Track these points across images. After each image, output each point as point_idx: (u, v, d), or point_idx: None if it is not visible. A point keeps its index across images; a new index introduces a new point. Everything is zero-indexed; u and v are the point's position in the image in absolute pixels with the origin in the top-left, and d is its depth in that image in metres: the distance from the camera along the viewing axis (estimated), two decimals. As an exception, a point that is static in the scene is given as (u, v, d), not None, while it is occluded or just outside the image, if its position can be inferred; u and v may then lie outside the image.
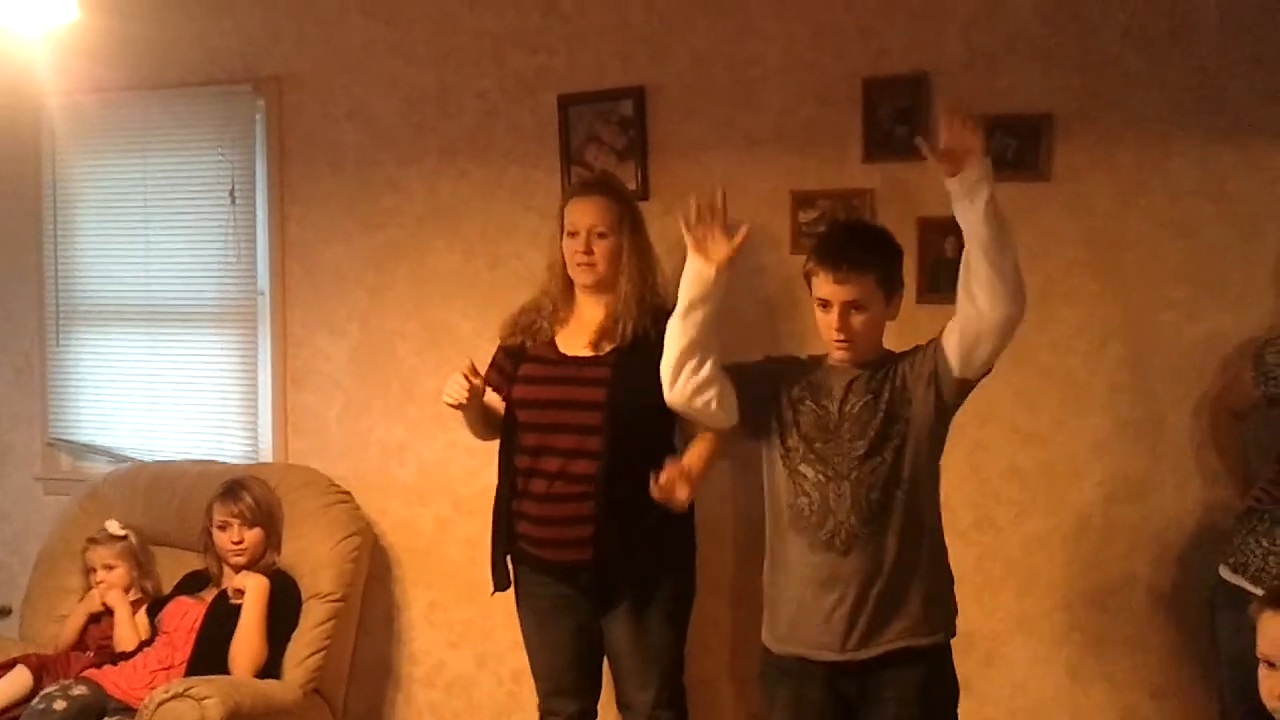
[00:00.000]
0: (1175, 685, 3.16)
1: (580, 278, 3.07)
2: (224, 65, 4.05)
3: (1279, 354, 2.79)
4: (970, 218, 2.43)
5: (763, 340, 3.40)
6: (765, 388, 2.71)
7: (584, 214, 3.06)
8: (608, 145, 3.60)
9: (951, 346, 2.52)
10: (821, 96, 3.39)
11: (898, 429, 2.56)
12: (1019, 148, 3.21)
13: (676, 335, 2.70)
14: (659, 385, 2.80)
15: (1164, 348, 3.14)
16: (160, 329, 4.25)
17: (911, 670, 2.56)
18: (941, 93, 3.25)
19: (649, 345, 2.95)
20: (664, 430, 3.07)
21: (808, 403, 2.64)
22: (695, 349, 2.67)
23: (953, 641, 2.67)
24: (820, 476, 2.58)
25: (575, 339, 3.09)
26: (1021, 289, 2.48)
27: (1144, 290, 3.15)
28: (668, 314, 2.90)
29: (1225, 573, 2.82)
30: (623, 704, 3.15)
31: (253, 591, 3.48)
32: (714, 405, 2.70)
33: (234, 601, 3.52)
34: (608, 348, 3.04)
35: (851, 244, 2.62)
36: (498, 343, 3.25)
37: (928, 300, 3.23)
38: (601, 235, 3.04)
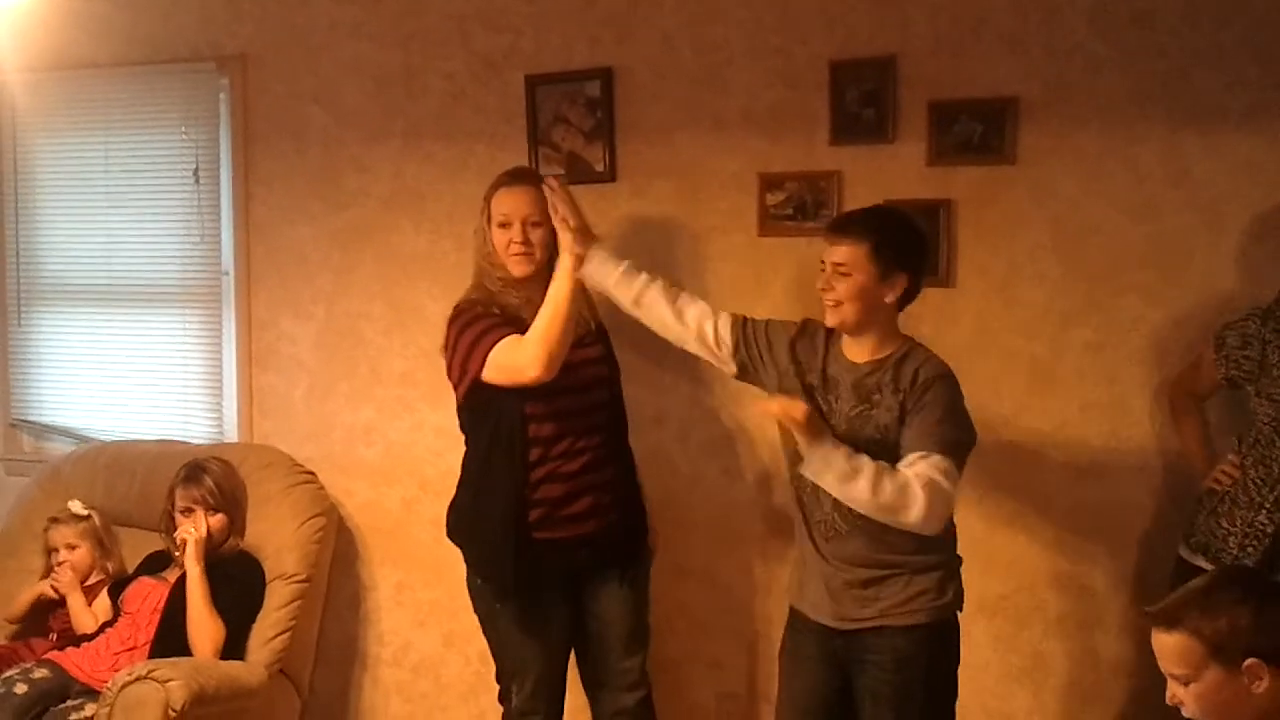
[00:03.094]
0: (1137, 665, 3.20)
1: (517, 268, 3.04)
2: (188, 43, 4.00)
3: (1239, 337, 2.83)
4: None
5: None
6: (780, 359, 2.77)
7: (517, 204, 3.03)
8: (575, 126, 3.59)
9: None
10: (789, 79, 3.39)
11: (887, 440, 2.59)
12: (985, 131, 3.22)
13: (643, 316, 2.88)
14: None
15: (1127, 331, 3.17)
16: (124, 309, 4.21)
17: (893, 641, 2.63)
18: (908, 76, 3.26)
19: (599, 325, 3.16)
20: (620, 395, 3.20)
21: (816, 395, 2.67)
22: (654, 305, 2.87)
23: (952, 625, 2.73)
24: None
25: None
26: (903, 512, 2.50)
27: (1107, 274, 3.17)
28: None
29: (1185, 553, 2.86)
30: (600, 683, 3.15)
31: (191, 571, 3.44)
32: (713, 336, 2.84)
33: (176, 554, 3.52)
34: (581, 329, 3.05)
35: (859, 214, 2.73)
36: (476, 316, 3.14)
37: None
38: (536, 224, 3.02)
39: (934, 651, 2.67)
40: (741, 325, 2.82)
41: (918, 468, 2.50)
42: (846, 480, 2.50)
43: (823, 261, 2.65)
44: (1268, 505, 2.71)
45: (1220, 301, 3.04)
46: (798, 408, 2.52)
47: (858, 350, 2.67)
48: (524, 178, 3.12)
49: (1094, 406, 3.21)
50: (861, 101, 3.33)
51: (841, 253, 2.60)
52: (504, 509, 3.00)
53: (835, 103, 3.35)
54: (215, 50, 3.96)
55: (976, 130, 3.23)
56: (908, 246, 2.66)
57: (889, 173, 3.29)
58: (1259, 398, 2.77)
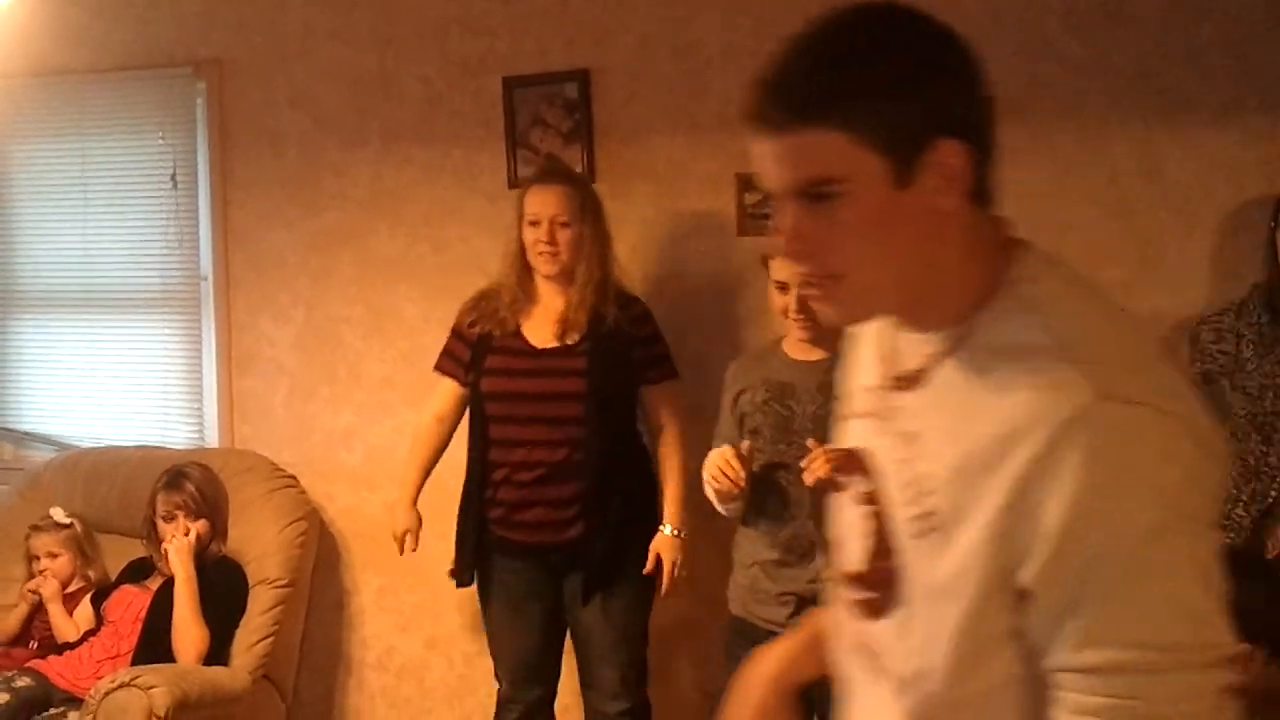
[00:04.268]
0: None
1: (543, 267, 3.06)
2: (164, 49, 4.00)
3: (1213, 332, 2.86)
4: None
5: (712, 321, 3.43)
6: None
7: (546, 203, 3.04)
8: (553, 128, 3.60)
9: None
10: (766, 79, 3.40)
11: None
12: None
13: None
14: (627, 373, 3.04)
15: (1102, 327, 3.18)
16: (102, 315, 4.20)
17: None
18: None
19: (617, 333, 3.05)
20: (629, 412, 3.16)
21: (771, 405, 2.67)
22: None
23: None
24: (783, 480, 2.62)
25: (541, 329, 3.09)
26: None
27: (1082, 270, 3.18)
28: (630, 301, 3.10)
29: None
30: (586, 684, 3.17)
31: (179, 576, 3.44)
32: None
33: (163, 570, 3.51)
34: (576, 337, 3.04)
35: None
36: (450, 328, 3.24)
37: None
38: (564, 224, 3.03)
39: None
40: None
41: None
42: None
43: (782, 284, 2.64)
44: (1244, 498, 2.73)
45: (1194, 297, 3.07)
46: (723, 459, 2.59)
47: (807, 350, 2.68)
48: (557, 177, 3.13)
49: (1071, 402, 3.22)
50: (837, 101, 3.34)
51: None
52: (469, 498, 3.14)
53: (811, 104, 3.35)
54: (191, 55, 3.96)
55: (952, 130, 3.24)
56: None
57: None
58: (1234, 392, 2.79)
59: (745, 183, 3.43)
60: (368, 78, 3.79)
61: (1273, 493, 2.69)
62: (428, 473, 3.29)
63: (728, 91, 3.43)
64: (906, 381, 1.21)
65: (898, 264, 1.16)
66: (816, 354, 2.67)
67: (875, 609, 1.22)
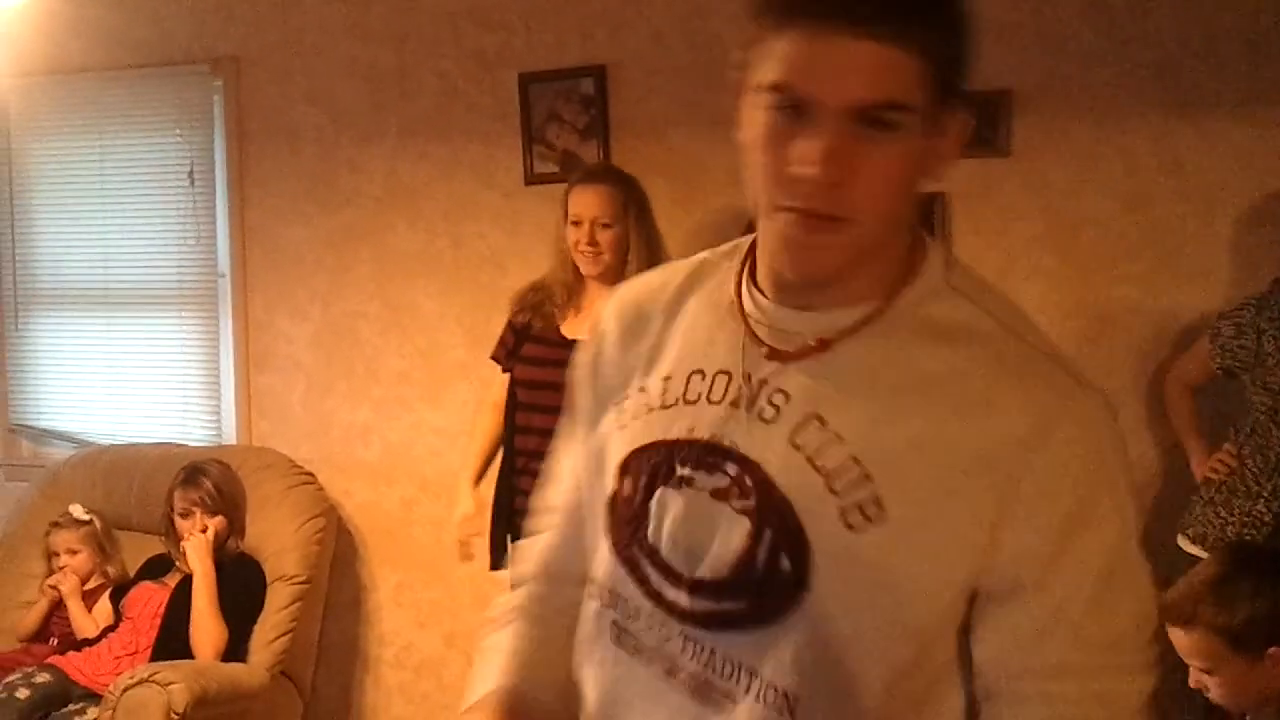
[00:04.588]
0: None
1: (586, 268, 3.06)
2: (180, 46, 4.00)
3: (1234, 326, 2.83)
4: None
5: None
6: None
7: (587, 204, 3.03)
8: (569, 124, 3.60)
9: None
10: (782, 74, 3.39)
11: None
12: (978, 124, 3.21)
13: None
14: None
15: (1123, 322, 3.17)
16: (120, 312, 4.21)
17: None
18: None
19: None
20: None
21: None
22: None
23: None
24: None
25: (582, 324, 3.08)
26: None
27: (1102, 265, 3.18)
28: None
29: (1184, 543, 2.86)
30: None
31: (198, 573, 3.45)
32: None
33: (181, 567, 3.52)
34: None
35: None
36: (507, 319, 3.23)
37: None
38: (606, 225, 3.02)
39: None
40: None
41: None
42: None
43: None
44: (1265, 494, 2.71)
45: (1214, 291, 3.05)
46: None
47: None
48: (600, 176, 3.13)
49: (1090, 397, 3.21)
50: (854, 95, 3.33)
51: None
52: (500, 483, 3.15)
53: (828, 97, 3.34)
54: (208, 52, 3.96)
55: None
56: None
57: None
58: (1255, 387, 2.78)
59: (762, 178, 3.41)
60: (384, 73, 3.79)
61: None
62: (488, 459, 3.27)
63: (745, 86, 3.42)
64: (796, 356, 1.10)
65: (891, 219, 1.06)
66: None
67: (742, 619, 1.09)
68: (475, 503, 3.22)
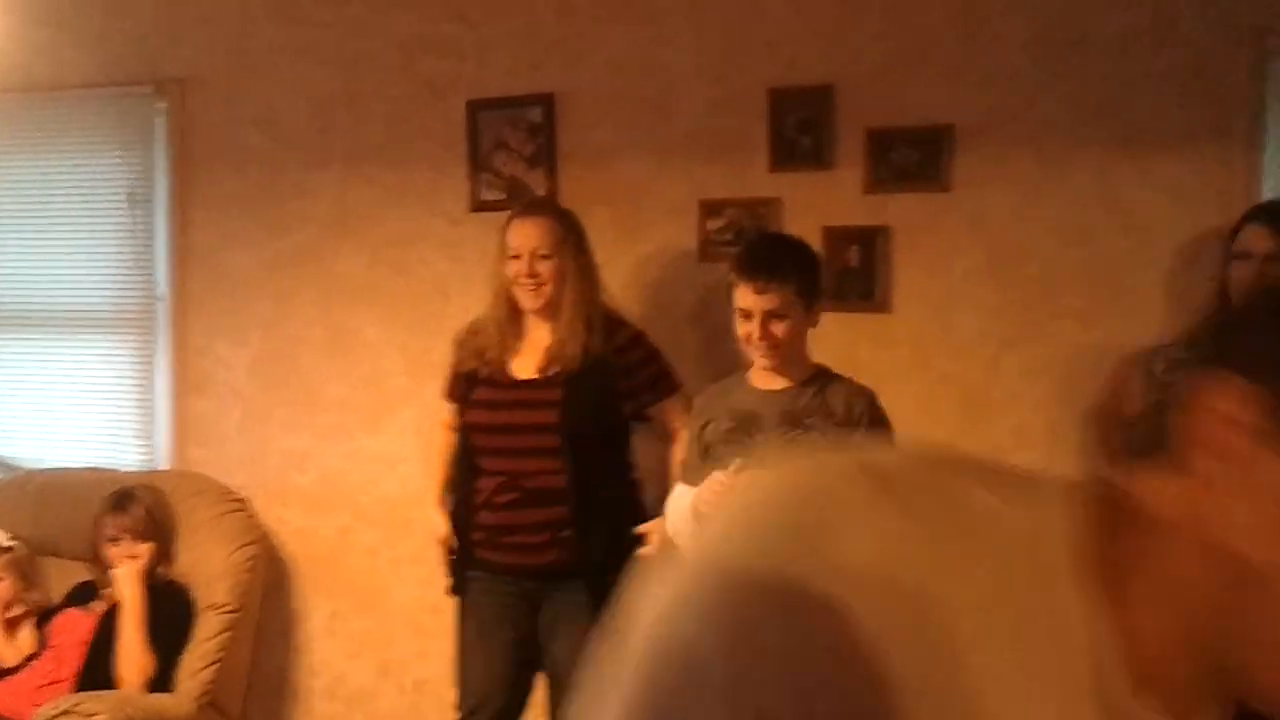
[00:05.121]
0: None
1: (525, 301, 3.04)
2: (125, 67, 3.97)
3: (1165, 362, 2.85)
4: None
5: (673, 347, 3.39)
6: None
7: (526, 236, 3.02)
8: (516, 152, 3.60)
9: None
10: (729, 106, 3.41)
11: None
12: (921, 159, 3.26)
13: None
14: (611, 404, 3.04)
15: (1061, 356, 3.19)
16: (55, 334, 4.15)
17: None
18: (846, 104, 3.29)
19: (601, 363, 3.03)
20: (621, 443, 3.14)
21: (736, 435, 2.66)
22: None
23: None
24: None
25: (526, 362, 3.07)
26: None
27: (1042, 299, 3.20)
28: (617, 326, 3.09)
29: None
30: (557, 717, 3.11)
31: (128, 600, 3.38)
32: None
33: (109, 594, 3.45)
34: (556, 369, 3.02)
35: (770, 255, 2.68)
36: (452, 366, 3.22)
37: (833, 309, 3.25)
38: (545, 257, 3.00)
39: None
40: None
41: None
42: None
43: (745, 311, 2.62)
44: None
45: (1151, 325, 3.07)
46: (721, 481, 2.54)
47: (771, 379, 2.67)
48: (536, 209, 3.14)
49: (1027, 431, 3.23)
50: (800, 129, 3.36)
51: (773, 299, 2.60)
52: (459, 518, 3.11)
53: (774, 130, 3.37)
54: (153, 74, 3.93)
55: (913, 158, 3.26)
56: (818, 272, 2.72)
57: (827, 199, 3.32)
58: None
59: (708, 208, 3.43)
60: (332, 98, 3.77)
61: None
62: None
63: (693, 116, 3.44)
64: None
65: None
66: (780, 383, 2.66)
67: None
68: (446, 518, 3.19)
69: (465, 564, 3.11)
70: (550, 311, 3.04)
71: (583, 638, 3.00)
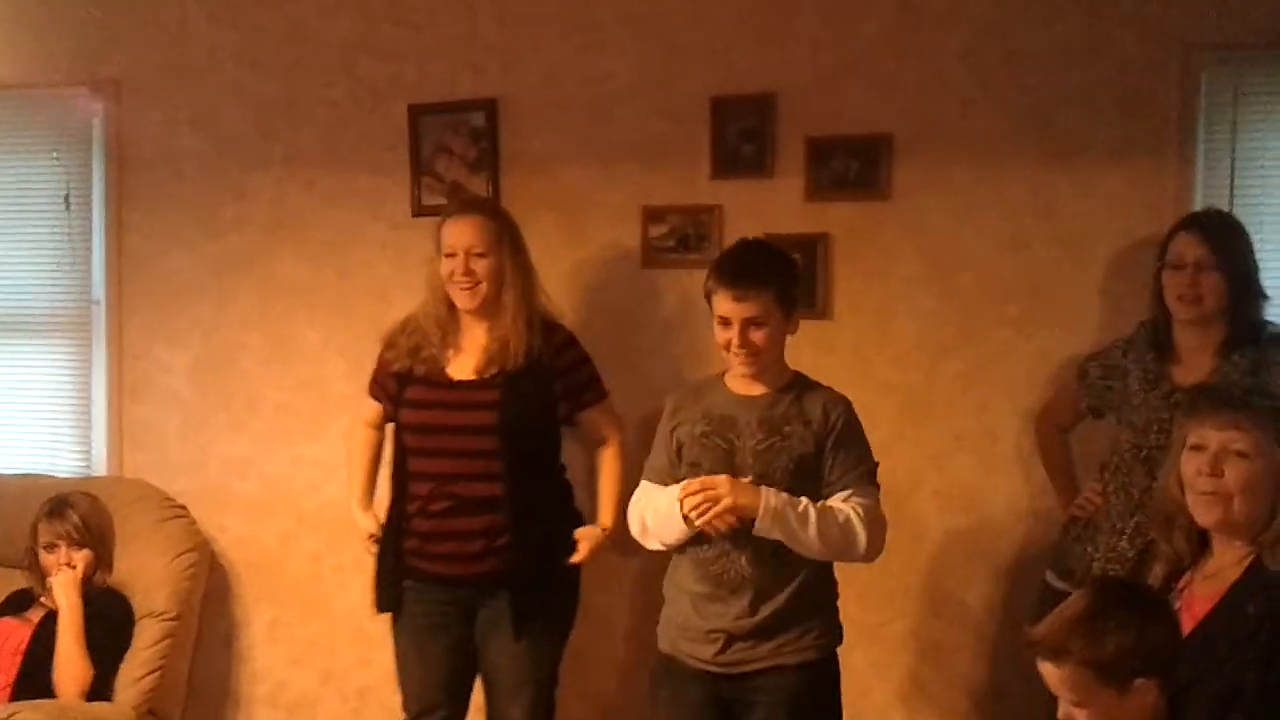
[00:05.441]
0: (1009, 687, 3.26)
1: (461, 301, 3.02)
2: (60, 67, 3.91)
3: (1101, 368, 2.92)
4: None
5: (615, 353, 3.42)
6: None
7: (461, 234, 3.01)
8: (459, 156, 3.59)
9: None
10: (672, 113, 3.43)
11: (804, 469, 2.62)
12: (860, 167, 3.30)
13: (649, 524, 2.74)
14: (548, 405, 3.04)
15: (998, 362, 3.25)
16: (-12, 338, 4.08)
17: (785, 679, 2.63)
18: (787, 112, 3.32)
19: (538, 364, 3.02)
20: (550, 447, 3.12)
21: (712, 438, 2.66)
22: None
23: (835, 661, 2.74)
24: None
25: (463, 363, 3.05)
26: (850, 548, 2.62)
27: (979, 306, 3.26)
28: (552, 328, 3.07)
29: (1052, 579, 2.93)
30: (494, 718, 3.12)
31: (65, 608, 3.34)
32: None
33: (45, 602, 3.41)
34: (494, 370, 3.00)
35: (749, 262, 2.68)
36: (370, 353, 3.21)
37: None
38: (480, 255, 2.99)
39: (824, 686, 2.70)
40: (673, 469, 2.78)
41: (852, 503, 2.60)
42: (797, 533, 2.56)
43: (724, 319, 2.62)
44: (1129, 530, 2.78)
45: (1086, 333, 3.14)
46: (717, 488, 2.57)
47: (748, 385, 2.68)
48: (471, 207, 3.11)
49: (965, 436, 3.28)
50: (742, 137, 3.38)
51: (753, 307, 2.59)
52: (388, 529, 3.09)
53: (716, 138, 3.40)
54: (89, 74, 3.87)
55: (852, 166, 3.30)
56: (796, 280, 2.75)
57: (768, 207, 3.35)
58: (1121, 426, 2.86)
59: (650, 215, 3.44)
60: (271, 101, 3.74)
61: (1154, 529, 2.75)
62: (373, 475, 3.24)
63: (636, 123, 3.46)
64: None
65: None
66: (758, 389, 2.67)
67: None
68: (374, 518, 3.16)
69: (397, 573, 3.08)
70: (486, 311, 3.03)
71: (517, 644, 3.01)
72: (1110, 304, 3.14)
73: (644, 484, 2.79)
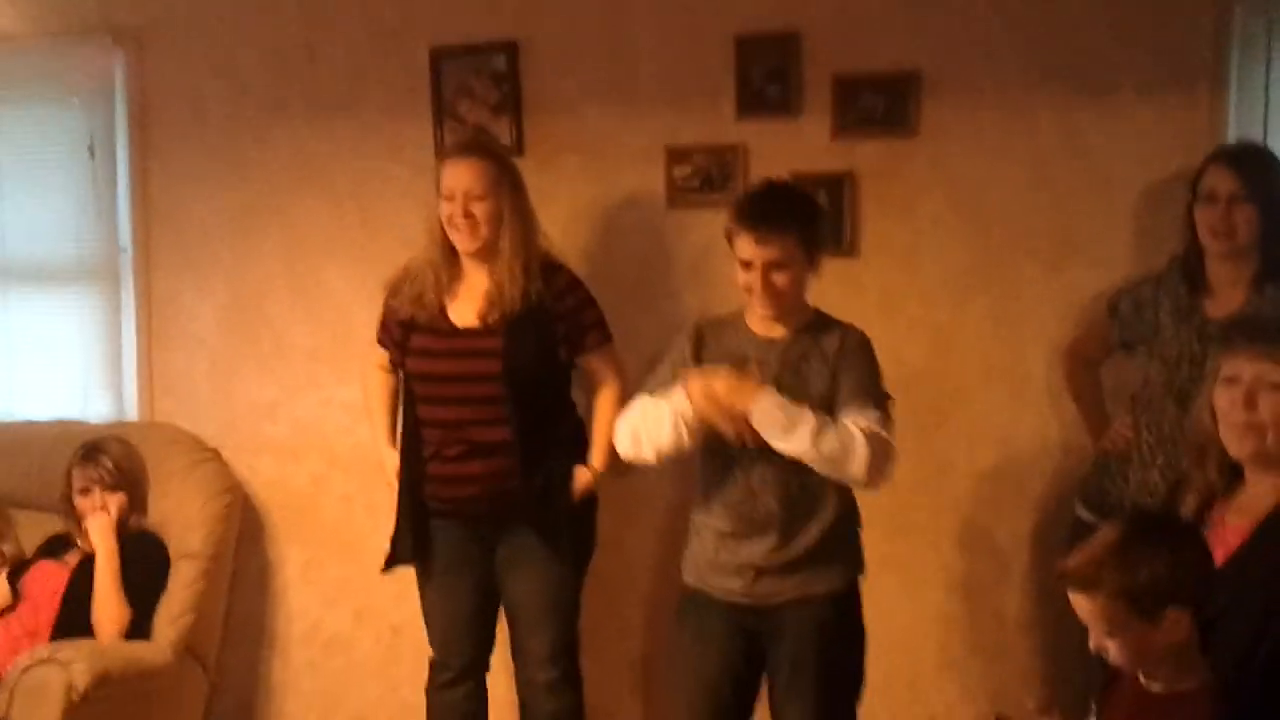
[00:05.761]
0: (1036, 619, 3.30)
1: (461, 244, 3.01)
2: (82, 16, 3.89)
3: (1132, 302, 2.92)
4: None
5: (639, 295, 3.44)
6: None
7: (459, 177, 2.99)
8: (480, 99, 3.57)
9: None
10: (695, 53, 3.41)
11: (825, 408, 2.60)
12: (887, 105, 3.28)
13: (639, 429, 2.71)
14: (551, 349, 3.01)
15: (1026, 299, 3.25)
16: (18, 288, 4.09)
17: (812, 610, 2.66)
18: (812, 50, 3.30)
19: (539, 308, 3.01)
20: (561, 384, 3.14)
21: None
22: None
23: (859, 591, 2.77)
24: (745, 456, 2.63)
25: (465, 308, 3.05)
26: (847, 463, 2.56)
27: (1008, 244, 3.25)
28: (554, 271, 3.03)
29: (1081, 512, 2.95)
30: (516, 653, 3.17)
31: (101, 551, 3.39)
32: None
33: (82, 545, 3.46)
34: (496, 316, 3.00)
35: (772, 205, 2.65)
36: (382, 300, 3.21)
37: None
38: (479, 198, 2.97)
39: (850, 614, 2.74)
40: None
41: (858, 421, 2.56)
42: (789, 431, 2.53)
43: (746, 261, 2.60)
44: (1159, 464, 2.80)
45: (1115, 268, 3.14)
46: (718, 378, 2.55)
47: (770, 326, 2.68)
48: (470, 149, 3.08)
49: (994, 372, 3.29)
50: (766, 76, 3.36)
51: (774, 250, 2.58)
52: (405, 476, 3.11)
53: (741, 77, 3.37)
54: (110, 22, 3.86)
55: (879, 104, 3.28)
56: (820, 222, 2.71)
57: (793, 146, 3.33)
58: (1152, 360, 2.86)
59: (674, 156, 3.43)
60: (292, 47, 3.72)
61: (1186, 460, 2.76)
62: (394, 415, 3.25)
63: (659, 63, 3.44)
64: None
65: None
66: (779, 331, 2.68)
67: None
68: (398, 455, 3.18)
69: (418, 517, 3.10)
70: (487, 254, 3.02)
71: (539, 576, 3.06)
72: (1141, 239, 3.13)
73: (638, 398, 2.76)
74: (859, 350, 2.66)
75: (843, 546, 2.72)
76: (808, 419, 2.53)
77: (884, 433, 2.58)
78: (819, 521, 2.65)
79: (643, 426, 2.69)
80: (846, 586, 2.72)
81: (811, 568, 2.66)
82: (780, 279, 2.60)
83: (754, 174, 3.29)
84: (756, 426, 2.55)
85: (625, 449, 2.76)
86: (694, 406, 2.59)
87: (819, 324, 2.70)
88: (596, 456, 3.09)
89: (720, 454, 2.67)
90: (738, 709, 2.79)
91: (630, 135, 3.47)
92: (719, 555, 2.71)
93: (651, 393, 2.73)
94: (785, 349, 2.65)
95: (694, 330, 2.78)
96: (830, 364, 2.63)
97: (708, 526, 2.75)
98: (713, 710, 2.76)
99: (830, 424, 2.55)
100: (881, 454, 2.57)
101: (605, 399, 3.11)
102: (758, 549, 2.66)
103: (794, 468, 2.59)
